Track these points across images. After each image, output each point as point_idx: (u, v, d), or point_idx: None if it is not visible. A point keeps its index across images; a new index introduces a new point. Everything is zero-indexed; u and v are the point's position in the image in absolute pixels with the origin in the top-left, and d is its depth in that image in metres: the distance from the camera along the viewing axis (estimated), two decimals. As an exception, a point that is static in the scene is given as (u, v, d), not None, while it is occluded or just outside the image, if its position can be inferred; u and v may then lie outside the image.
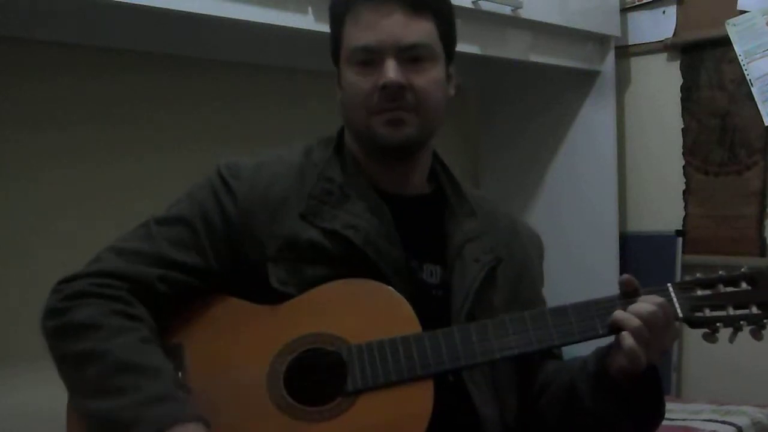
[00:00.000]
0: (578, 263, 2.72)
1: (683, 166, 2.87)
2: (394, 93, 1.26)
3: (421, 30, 1.28)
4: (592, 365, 1.26)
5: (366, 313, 1.23)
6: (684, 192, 2.87)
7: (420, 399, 1.18)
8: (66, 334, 1.21)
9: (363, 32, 1.28)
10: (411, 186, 1.36)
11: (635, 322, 1.18)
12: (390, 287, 1.23)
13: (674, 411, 2.42)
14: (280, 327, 1.22)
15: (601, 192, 2.85)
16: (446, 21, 1.33)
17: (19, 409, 1.87)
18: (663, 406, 1.28)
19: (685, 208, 2.87)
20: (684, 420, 2.33)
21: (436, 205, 1.38)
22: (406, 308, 1.22)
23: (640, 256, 2.89)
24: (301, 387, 1.20)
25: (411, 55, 1.27)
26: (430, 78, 1.29)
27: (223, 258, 1.28)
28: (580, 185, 2.88)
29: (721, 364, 2.73)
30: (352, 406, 1.18)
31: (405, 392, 1.18)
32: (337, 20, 1.33)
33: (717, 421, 2.31)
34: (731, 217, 2.77)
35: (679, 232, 2.87)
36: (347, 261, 1.26)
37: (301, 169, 1.32)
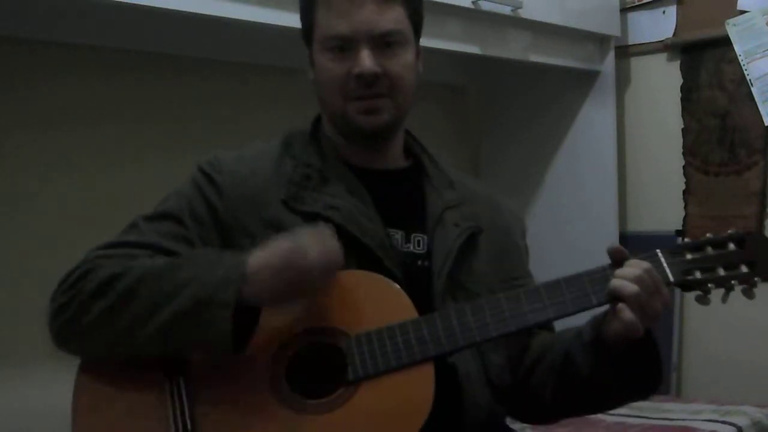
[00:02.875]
0: (578, 263, 2.70)
1: (683, 166, 2.87)
2: (369, 81, 1.29)
3: (392, 16, 1.31)
4: (588, 335, 1.28)
5: (363, 304, 1.23)
6: (684, 192, 2.87)
7: (421, 383, 1.18)
8: (89, 303, 1.19)
9: (336, 20, 1.30)
10: (388, 161, 1.40)
11: (632, 287, 1.19)
12: (385, 277, 1.24)
13: (674, 411, 2.42)
14: (279, 322, 1.22)
15: (601, 192, 2.85)
16: (414, 0, 1.36)
17: (20, 409, 1.87)
18: (661, 368, 1.28)
19: (685, 208, 2.87)
20: (684, 420, 2.33)
21: (416, 177, 1.41)
22: (402, 297, 1.23)
23: (640, 256, 2.88)
24: (303, 380, 1.20)
25: (384, 42, 1.30)
26: (403, 62, 1.32)
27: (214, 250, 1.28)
28: (580, 185, 2.88)
29: (721, 364, 2.74)
30: (354, 395, 1.18)
31: (405, 377, 1.19)
32: (308, 1, 1.34)
33: (717, 421, 2.31)
34: (731, 217, 2.77)
35: (679, 232, 2.87)
36: None
37: (281, 157, 1.35)
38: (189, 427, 1.17)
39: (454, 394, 1.26)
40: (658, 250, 1.27)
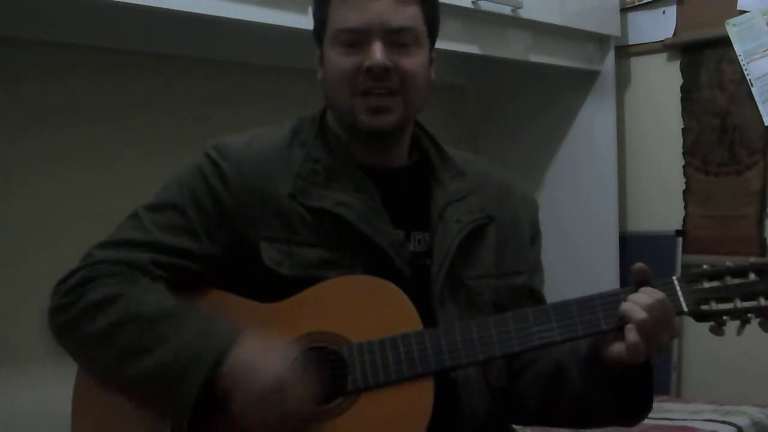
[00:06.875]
0: (578, 263, 2.72)
1: (683, 166, 2.87)
2: (379, 75, 1.26)
3: (408, 14, 1.29)
4: (584, 350, 1.26)
5: (367, 310, 1.22)
6: (684, 192, 2.87)
7: (420, 397, 1.17)
8: (83, 318, 1.20)
9: (350, 13, 1.28)
10: (393, 159, 1.36)
11: (642, 314, 1.17)
12: (390, 283, 1.23)
13: (674, 411, 2.42)
14: (281, 325, 1.22)
15: (601, 192, 2.85)
16: (431, 4, 1.34)
17: (20, 409, 1.87)
18: (651, 398, 1.27)
19: (685, 208, 2.87)
20: (684, 420, 2.33)
21: (421, 173, 1.37)
22: (407, 306, 1.22)
23: (640, 256, 2.85)
24: None
25: (398, 39, 1.28)
26: (415, 61, 1.30)
27: (216, 240, 1.27)
28: (580, 185, 2.88)
29: (721, 364, 2.73)
30: (353, 405, 1.18)
31: (405, 391, 1.18)
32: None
33: (717, 421, 2.31)
34: (731, 217, 2.77)
35: (679, 232, 2.87)
36: (340, 239, 1.26)
37: (289, 148, 1.33)
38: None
39: (452, 402, 1.25)
40: (674, 277, 1.23)
